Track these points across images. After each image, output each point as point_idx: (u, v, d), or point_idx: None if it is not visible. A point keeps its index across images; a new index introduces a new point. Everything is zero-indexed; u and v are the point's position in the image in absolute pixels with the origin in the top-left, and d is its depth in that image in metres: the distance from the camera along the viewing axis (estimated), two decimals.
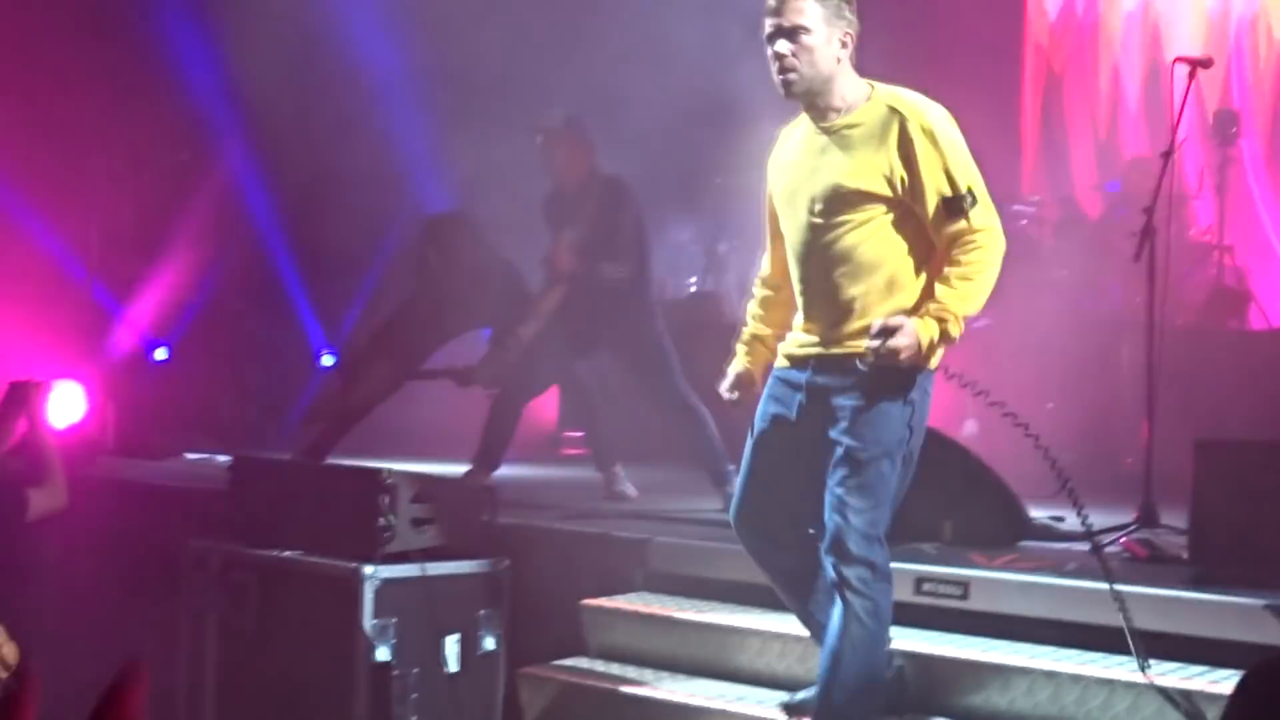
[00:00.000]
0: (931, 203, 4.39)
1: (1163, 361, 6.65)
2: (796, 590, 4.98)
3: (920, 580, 5.54)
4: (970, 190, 4.41)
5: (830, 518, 4.58)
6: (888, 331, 4.30)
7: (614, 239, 7.59)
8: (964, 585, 5.44)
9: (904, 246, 4.50)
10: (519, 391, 7.93)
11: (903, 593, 5.50)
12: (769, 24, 4.48)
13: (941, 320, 4.38)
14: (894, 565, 5.56)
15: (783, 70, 4.48)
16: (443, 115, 10.18)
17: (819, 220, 4.53)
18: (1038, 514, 6.50)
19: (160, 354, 10.51)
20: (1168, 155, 6.32)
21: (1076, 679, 4.98)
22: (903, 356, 4.34)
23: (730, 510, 4.95)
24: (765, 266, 5.04)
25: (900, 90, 4.55)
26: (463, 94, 9.94)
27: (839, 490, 4.56)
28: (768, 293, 5.01)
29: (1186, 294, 9.35)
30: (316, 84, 10.03)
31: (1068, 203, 11.03)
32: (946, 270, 4.43)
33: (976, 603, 5.40)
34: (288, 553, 6.21)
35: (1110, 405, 8.65)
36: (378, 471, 6.05)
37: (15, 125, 8.86)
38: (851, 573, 4.55)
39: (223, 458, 7.94)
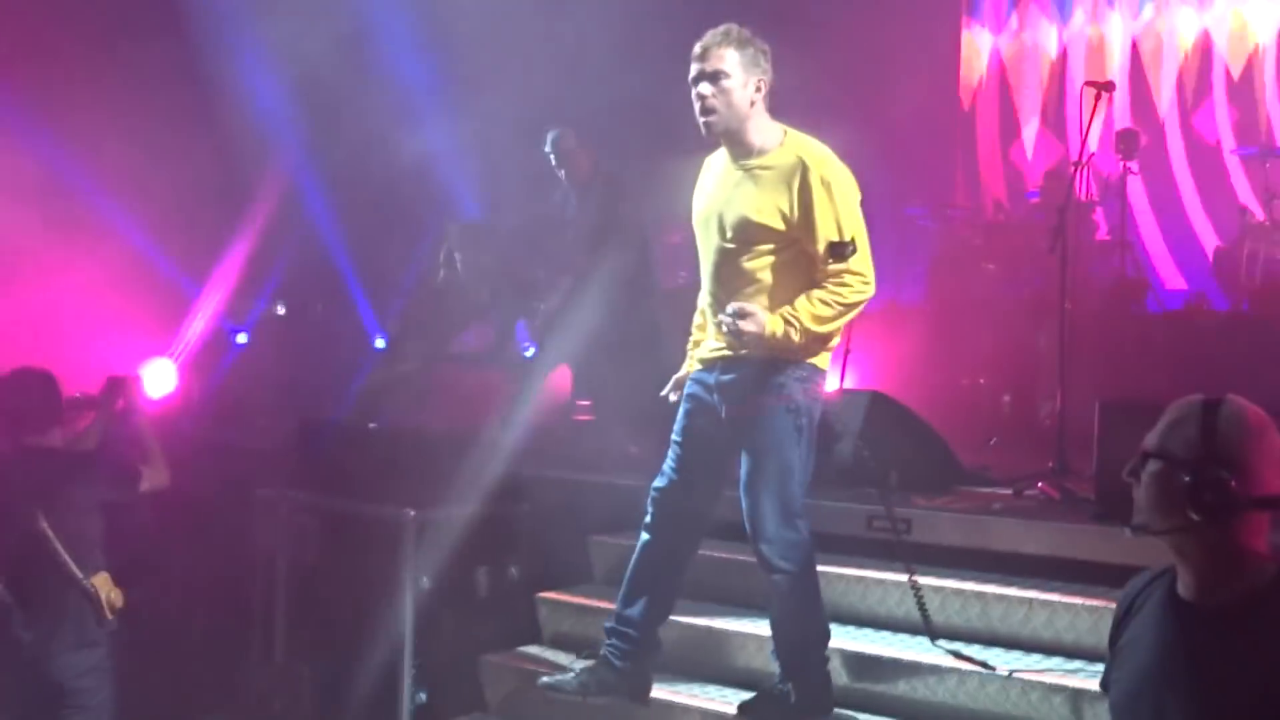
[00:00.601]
0: (821, 244, 4.27)
1: (1074, 340, 6.72)
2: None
3: (870, 518, 5.56)
4: (853, 240, 4.31)
5: (746, 504, 4.50)
6: (742, 314, 4.27)
7: (616, 225, 7.63)
8: (908, 522, 5.47)
9: (796, 276, 4.36)
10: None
11: (856, 529, 5.58)
12: (694, 68, 4.36)
13: (788, 323, 4.28)
14: (848, 506, 5.66)
15: (704, 111, 4.37)
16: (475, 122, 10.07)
17: (729, 245, 4.42)
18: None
19: (241, 338, 10.52)
20: (1077, 165, 6.33)
21: (1000, 598, 5.02)
22: (744, 337, 4.29)
23: (652, 488, 4.73)
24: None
25: (810, 141, 4.42)
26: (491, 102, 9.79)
27: (749, 478, 4.47)
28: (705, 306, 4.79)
29: (1095, 283, 9.39)
30: (366, 88, 9.91)
31: (995, 208, 11.08)
32: (815, 291, 4.31)
33: (918, 537, 5.42)
34: (345, 500, 6.24)
35: (1031, 378, 8.67)
36: (421, 433, 6.09)
37: (105, 133, 8.78)
38: (773, 551, 4.47)
39: (290, 422, 7.96)
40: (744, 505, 4.51)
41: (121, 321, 8.69)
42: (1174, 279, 11.13)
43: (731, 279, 4.45)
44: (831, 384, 8.08)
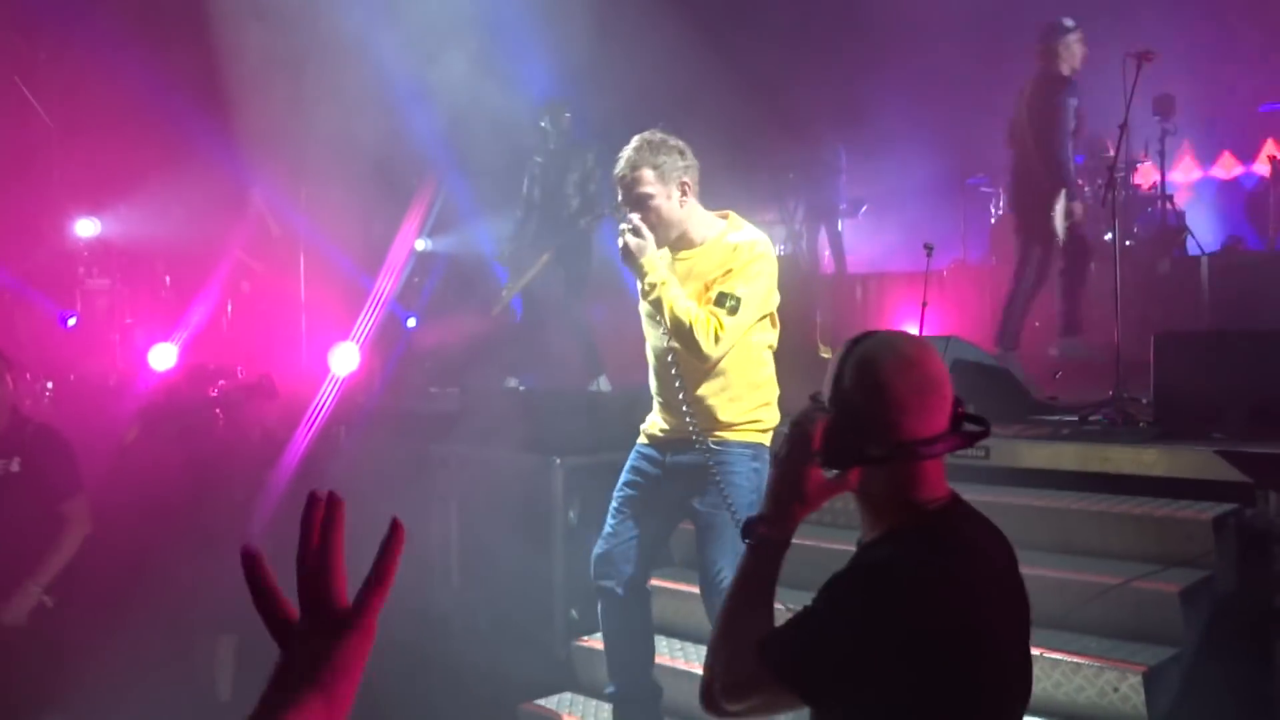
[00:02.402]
0: (714, 291, 3.66)
1: (1126, 281, 6.39)
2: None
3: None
4: (738, 300, 3.63)
5: (702, 562, 3.91)
6: (637, 232, 3.69)
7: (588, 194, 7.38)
8: (986, 449, 5.22)
9: (746, 358, 3.76)
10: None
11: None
12: (619, 194, 3.78)
13: (663, 280, 3.67)
14: None
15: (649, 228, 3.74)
16: None
17: (671, 343, 3.77)
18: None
19: (411, 322, 10.57)
20: (1122, 128, 5.97)
21: (1077, 513, 4.76)
22: (625, 244, 3.69)
23: (594, 555, 4.09)
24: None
25: (746, 226, 3.79)
26: None
27: (705, 541, 3.87)
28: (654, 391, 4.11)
29: (1140, 232, 8.96)
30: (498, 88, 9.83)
31: None
32: (697, 306, 3.67)
33: (996, 461, 5.17)
34: (503, 451, 6.18)
35: (1084, 315, 8.31)
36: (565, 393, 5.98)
37: (280, 146, 8.83)
38: None
39: (453, 389, 7.94)
40: (700, 561, 3.92)
41: (326, 315, 8.79)
42: (1211, 225, 10.57)
43: (674, 372, 3.77)
44: (911, 330, 7.89)
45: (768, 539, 2.03)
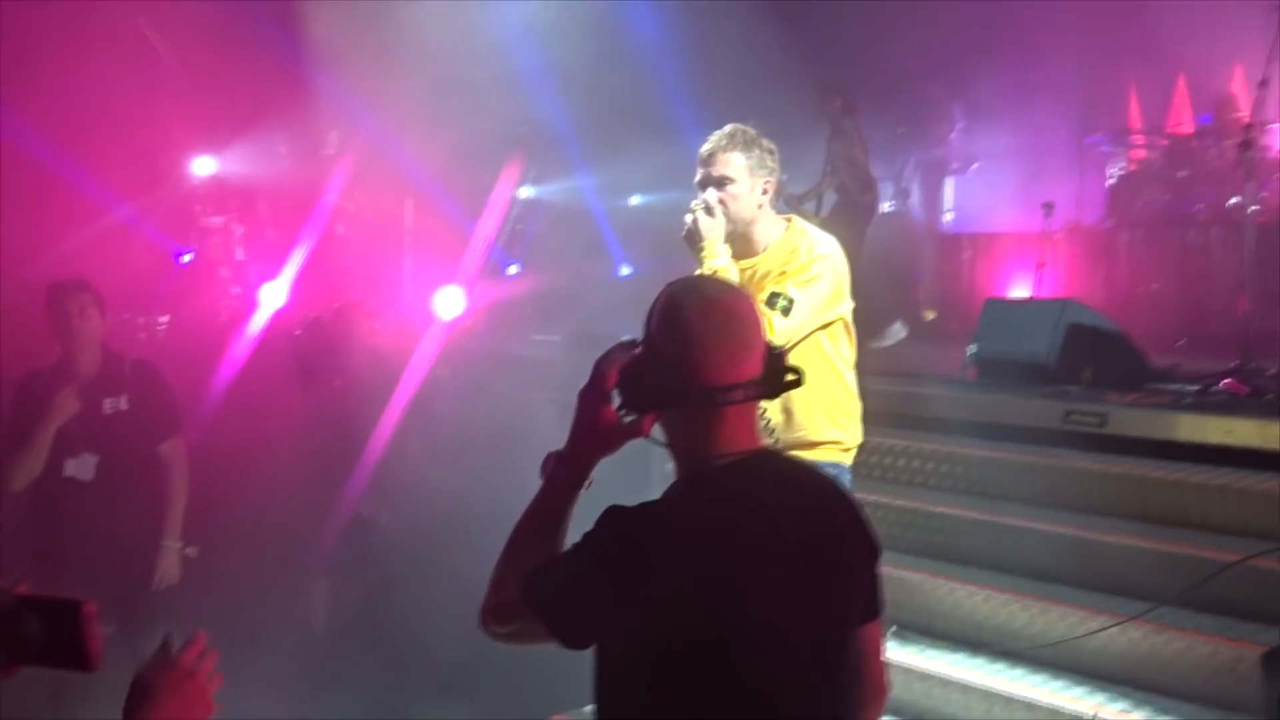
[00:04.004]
0: (765, 291, 3.43)
1: (1256, 246, 6.12)
2: None
3: (1067, 412, 5.20)
4: (791, 302, 3.40)
5: None
6: (711, 211, 3.47)
7: None
8: (1102, 416, 5.07)
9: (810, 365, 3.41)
10: None
11: (1052, 421, 5.24)
12: (699, 172, 3.57)
13: (725, 267, 3.45)
14: (1045, 403, 5.32)
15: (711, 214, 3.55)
16: None
17: None
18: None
19: (513, 270, 10.63)
20: (1264, 84, 5.68)
21: (1195, 486, 4.59)
22: (695, 219, 3.47)
23: None
24: None
25: (811, 229, 3.61)
26: None
27: None
28: None
29: (1271, 198, 8.57)
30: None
31: (1171, 133, 10.21)
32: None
33: (1113, 429, 5.01)
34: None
35: (1205, 283, 8.00)
36: None
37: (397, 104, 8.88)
38: None
39: (555, 337, 7.95)
40: None
41: (419, 256, 8.85)
42: None
43: None
44: (1024, 294, 7.71)
45: (557, 477, 1.99)
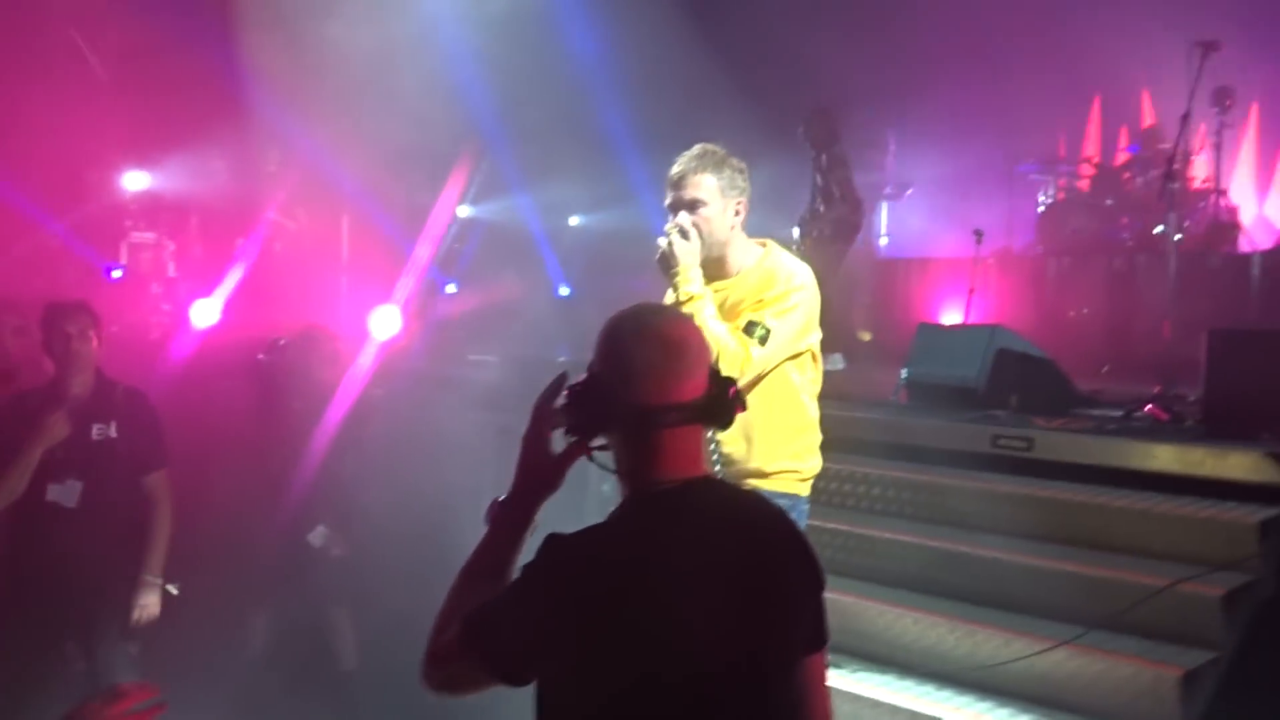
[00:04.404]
0: (742, 318, 3.40)
1: (1177, 275, 6.30)
2: None
3: (995, 437, 5.27)
4: (768, 331, 3.36)
5: None
6: (685, 234, 3.41)
7: None
8: (1029, 440, 5.15)
9: (778, 391, 3.46)
10: None
11: (981, 446, 5.30)
12: (670, 195, 3.48)
13: (700, 295, 3.38)
14: (974, 427, 5.39)
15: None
16: None
17: None
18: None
19: (450, 289, 10.59)
20: (1185, 118, 5.84)
21: (1119, 511, 4.68)
22: (670, 244, 3.40)
23: None
24: None
25: (786, 256, 3.53)
26: None
27: None
28: None
29: (1192, 226, 8.81)
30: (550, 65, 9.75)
31: (1098, 163, 10.46)
32: (728, 329, 3.37)
33: (1039, 454, 5.10)
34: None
35: (1134, 311, 8.19)
36: None
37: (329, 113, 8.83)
38: None
39: (493, 357, 7.93)
40: None
41: (367, 278, 8.79)
42: (1263, 223, 10.37)
43: None
44: (956, 318, 7.83)
45: (502, 522, 2.01)
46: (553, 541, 1.86)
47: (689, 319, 2.03)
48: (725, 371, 3.08)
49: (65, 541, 4.31)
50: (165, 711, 1.99)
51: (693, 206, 3.44)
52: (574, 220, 12.34)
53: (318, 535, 5.60)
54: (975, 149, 10.35)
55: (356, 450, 5.88)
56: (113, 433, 4.41)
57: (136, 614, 4.46)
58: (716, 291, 3.49)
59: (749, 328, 3.36)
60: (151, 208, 9.57)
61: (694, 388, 1.93)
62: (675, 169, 3.48)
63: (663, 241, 3.43)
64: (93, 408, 4.40)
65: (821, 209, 8.50)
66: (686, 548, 1.87)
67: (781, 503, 3.20)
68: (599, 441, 1.99)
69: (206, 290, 8.27)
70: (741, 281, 3.49)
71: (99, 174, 9.54)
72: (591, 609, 1.79)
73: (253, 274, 8.89)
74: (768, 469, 3.46)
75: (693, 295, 3.37)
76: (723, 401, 1.96)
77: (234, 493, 5.54)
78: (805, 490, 3.55)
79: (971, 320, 7.13)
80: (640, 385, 1.90)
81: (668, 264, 3.43)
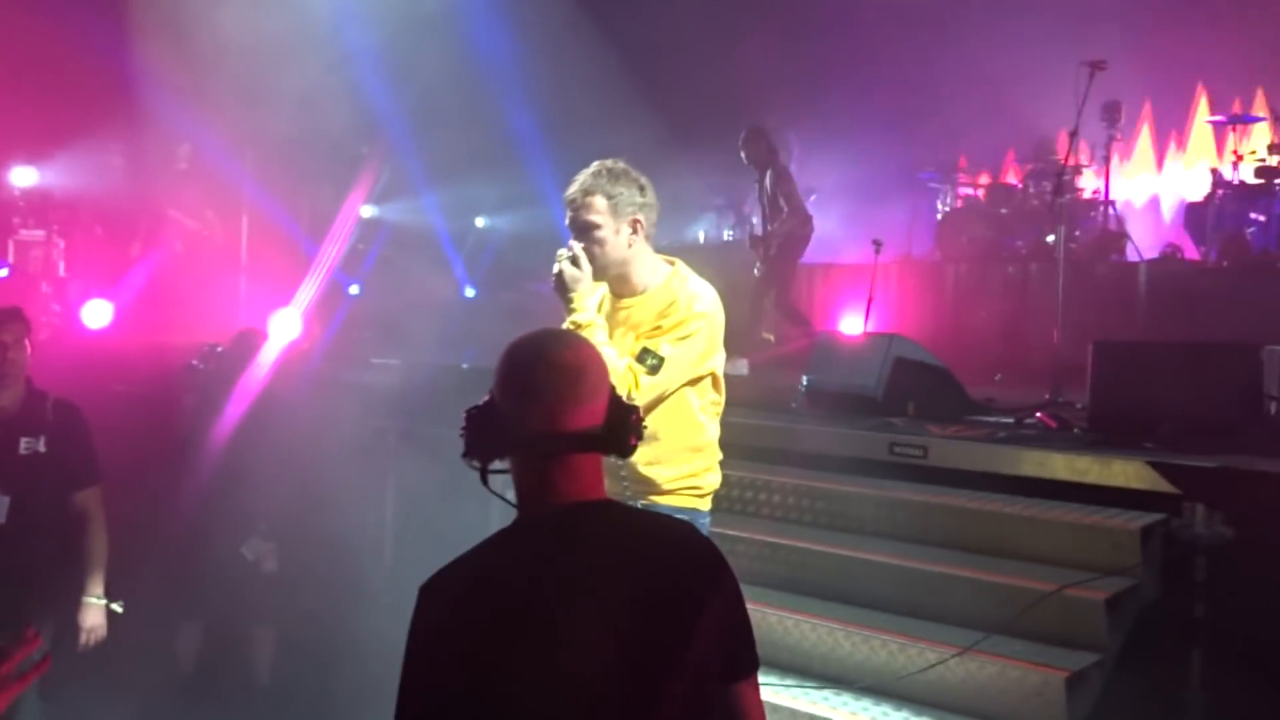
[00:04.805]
0: (639, 345, 3.38)
1: (1067, 285, 6.50)
2: None
3: (892, 444, 5.38)
4: (660, 361, 3.33)
5: None
6: (576, 261, 3.38)
7: None
8: (924, 448, 5.27)
9: (680, 412, 3.46)
10: None
11: (879, 453, 5.40)
12: (567, 214, 3.45)
13: (591, 321, 3.37)
14: (872, 435, 5.49)
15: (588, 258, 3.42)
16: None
17: None
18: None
19: (353, 290, 10.44)
20: (1074, 134, 6.02)
21: (1009, 517, 4.81)
22: (560, 271, 3.38)
23: None
24: None
25: (692, 279, 3.48)
26: None
27: None
28: None
29: (1082, 236, 9.09)
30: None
31: (995, 173, 10.75)
32: (621, 358, 3.34)
33: (934, 461, 5.22)
34: (441, 429, 6.13)
35: (1026, 319, 8.42)
36: None
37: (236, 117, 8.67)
38: None
39: (395, 360, 7.85)
40: None
41: (266, 280, 8.63)
42: (1150, 233, 10.73)
43: None
44: (856, 327, 7.97)
45: None
46: (422, 593, 1.86)
47: (589, 344, 2.02)
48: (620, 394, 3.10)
49: None
50: (48, 667, 2.00)
51: (586, 229, 3.40)
52: (480, 221, 12.27)
53: (251, 548, 5.49)
54: (878, 154, 10.54)
55: (252, 455, 5.78)
56: (41, 447, 4.25)
57: (85, 637, 4.35)
58: (621, 309, 3.49)
59: (641, 355, 3.34)
60: (40, 205, 9.27)
61: (592, 414, 1.93)
62: (569, 189, 3.44)
63: (556, 267, 3.41)
64: (21, 420, 4.24)
65: (770, 226, 8.60)
66: (564, 572, 1.83)
67: (680, 517, 3.18)
68: (497, 465, 1.97)
69: (100, 291, 8.06)
70: (646, 302, 3.46)
71: None
72: (462, 644, 1.77)
73: (151, 275, 8.69)
74: (666, 485, 3.47)
75: (585, 323, 3.35)
76: (623, 429, 1.96)
77: (145, 504, 5.42)
78: (705, 505, 3.57)
79: (871, 326, 7.26)
80: (536, 412, 1.89)
81: (561, 290, 3.42)
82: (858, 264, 9.17)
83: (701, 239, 11.84)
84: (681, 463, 3.49)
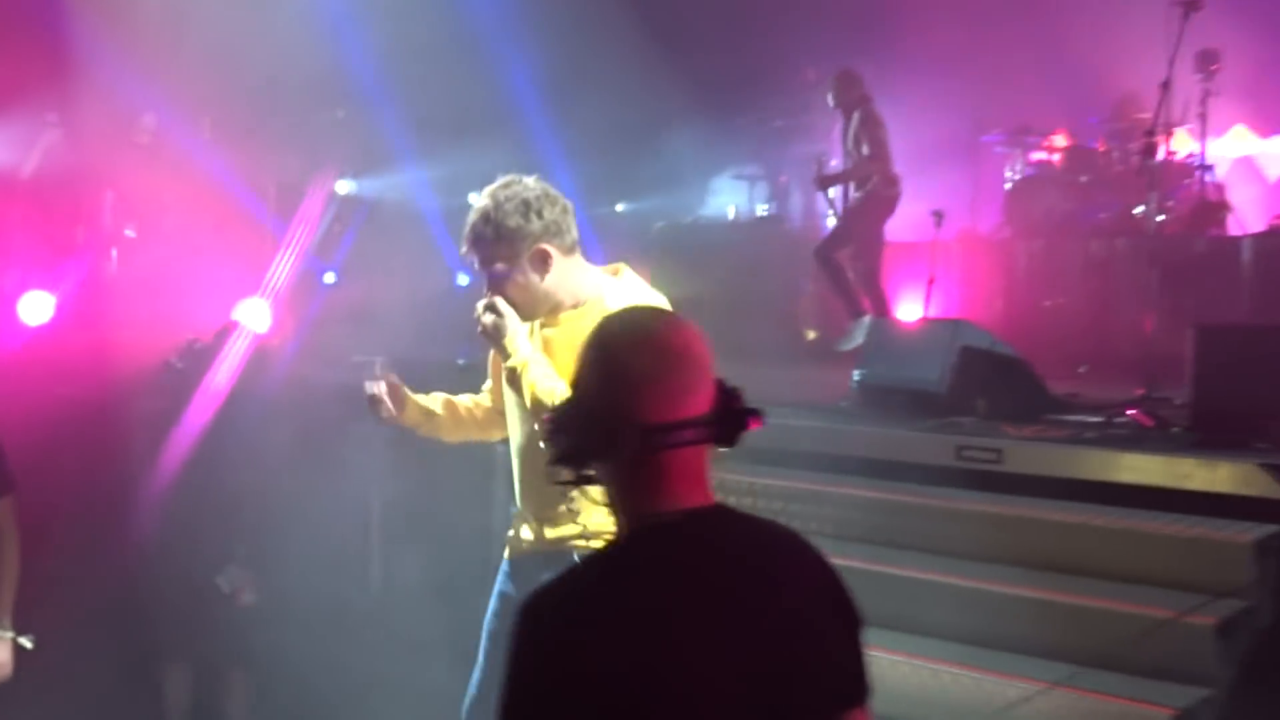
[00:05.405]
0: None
1: (1160, 262, 6.46)
2: None
3: (959, 448, 5.35)
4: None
5: None
6: (493, 309, 3.46)
7: None
8: (998, 451, 5.24)
9: None
10: None
11: (944, 458, 5.37)
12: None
13: (524, 361, 3.42)
14: (935, 437, 5.47)
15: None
16: None
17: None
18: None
19: (329, 278, 10.45)
20: (1166, 85, 5.97)
21: (1096, 530, 4.78)
22: (483, 325, 3.48)
23: (463, 707, 3.81)
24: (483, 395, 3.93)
25: (631, 292, 3.50)
26: None
27: None
28: (467, 404, 3.94)
29: (1175, 206, 9.01)
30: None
31: (1075, 133, 10.65)
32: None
33: (1009, 467, 5.18)
34: None
35: (1114, 301, 8.37)
36: None
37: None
38: None
39: (379, 358, 7.82)
40: None
41: (231, 267, 8.65)
42: (1256, 201, 10.63)
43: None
44: (915, 313, 7.95)
45: None
46: (532, 616, 1.84)
47: (689, 324, 2.00)
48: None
49: None
50: None
51: (492, 281, 3.47)
52: (474, 198, 12.26)
53: (227, 578, 5.50)
54: (935, 117, 10.47)
55: (214, 466, 5.80)
56: None
57: None
58: (548, 327, 3.53)
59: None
60: None
61: (702, 401, 1.92)
62: (460, 245, 3.53)
63: (479, 323, 3.48)
64: None
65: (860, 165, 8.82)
66: (690, 591, 1.85)
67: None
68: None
69: (40, 281, 8.07)
70: (580, 318, 3.46)
71: None
72: (581, 674, 1.77)
73: (96, 261, 8.71)
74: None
75: (527, 363, 3.41)
76: (735, 415, 1.95)
77: (92, 524, 5.43)
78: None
79: (932, 313, 7.24)
80: (643, 401, 1.88)
81: (492, 340, 3.49)
82: (914, 241, 9.13)
83: (731, 215, 11.79)
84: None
